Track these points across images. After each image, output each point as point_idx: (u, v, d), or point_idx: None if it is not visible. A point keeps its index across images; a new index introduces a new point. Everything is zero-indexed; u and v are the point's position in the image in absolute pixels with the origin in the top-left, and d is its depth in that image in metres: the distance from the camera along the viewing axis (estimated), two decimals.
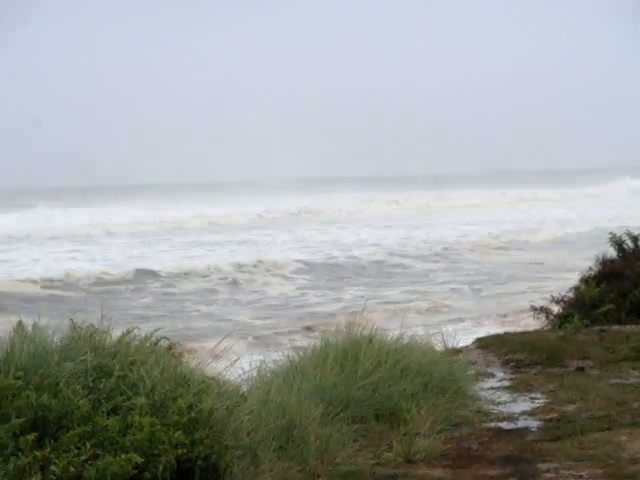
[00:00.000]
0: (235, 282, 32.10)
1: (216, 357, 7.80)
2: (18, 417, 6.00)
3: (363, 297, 27.19)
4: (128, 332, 7.42)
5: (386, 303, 25.43)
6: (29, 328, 7.17)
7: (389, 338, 9.69)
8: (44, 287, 30.88)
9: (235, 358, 8.16)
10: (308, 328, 20.37)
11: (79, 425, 6.13)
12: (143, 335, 7.56)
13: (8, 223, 62.81)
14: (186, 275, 33.40)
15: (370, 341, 9.11)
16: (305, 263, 36.06)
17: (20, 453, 5.56)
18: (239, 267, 34.61)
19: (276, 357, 9.06)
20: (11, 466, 5.43)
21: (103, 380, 6.68)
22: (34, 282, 31.26)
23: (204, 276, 33.10)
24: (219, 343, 8.06)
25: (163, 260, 38.09)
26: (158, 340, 7.58)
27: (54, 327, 7.34)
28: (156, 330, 7.63)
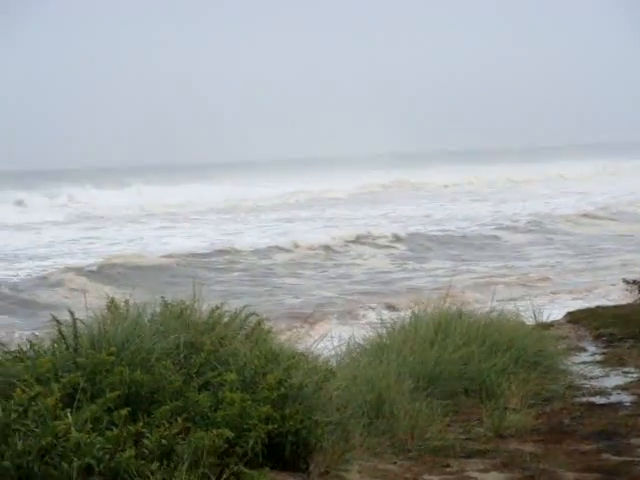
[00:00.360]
0: (329, 257, 32.18)
1: (305, 332, 7.84)
2: (112, 392, 6.11)
3: (454, 271, 27.11)
4: (218, 308, 7.50)
5: (477, 278, 25.26)
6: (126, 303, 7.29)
7: (479, 313, 9.64)
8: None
9: (324, 333, 8.20)
10: (397, 303, 20.29)
11: (171, 400, 6.22)
12: (233, 311, 7.63)
13: (120, 201, 64.28)
14: (279, 250, 33.60)
15: (460, 316, 9.07)
16: (397, 237, 35.96)
17: (114, 427, 5.66)
18: (334, 242, 34.73)
19: (365, 332, 9.08)
20: (105, 439, 5.52)
21: (194, 356, 6.76)
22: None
23: (298, 250, 33.29)
24: (308, 318, 8.10)
25: (257, 236, 38.48)
26: (248, 316, 7.64)
27: (146, 303, 7.45)
28: (245, 306, 7.70)
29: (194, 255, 33.03)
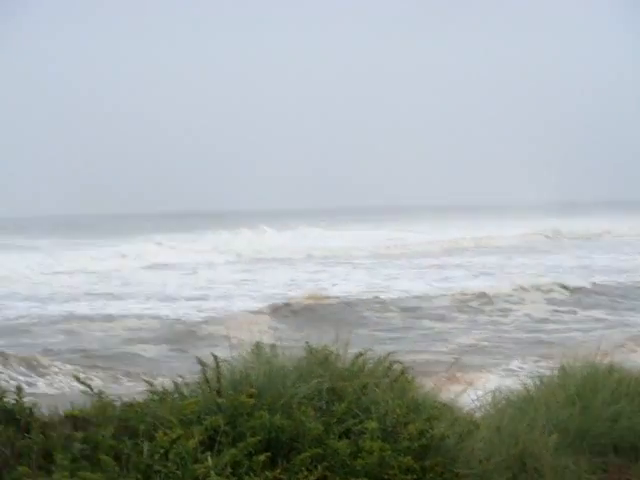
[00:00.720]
0: (482, 304, 31.86)
1: (449, 382, 7.74)
2: (252, 436, 6.14)
3: (612, 323, 26.44)
4: (361, 355, 7.47)
5: (636, 331, 24.56)
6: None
7: (632, 367, 9.34)
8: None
9: (469, 382, 8.09)
10: (548, 354, 19.92)
11: (310, 447, 6.22)
12: (377, 358, 7.59)
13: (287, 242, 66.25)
14: (430, 296, 33.47)
15: (610, 371, 8.80)
16: (555, 287, 35.28)
17: (251, 472, 5.68)
18: (490, 290, 34.38)
19: (512, 382, 8.91)
20: None
21: (336, 402, 6.75)
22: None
23: (451, 297, 33.11)
24: (453, 366, 8.01)
25: (411, 281, 38.50)
26: (392, 363, 7.59)
27: (292, 347, 7.49)
28: (389, 353, 7.65)
29: (352, 298, 33.28)
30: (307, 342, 7.47)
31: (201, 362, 6.78)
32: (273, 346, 7.40)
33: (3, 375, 20.64)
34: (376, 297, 33.55)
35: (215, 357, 6.75)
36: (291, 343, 7.65)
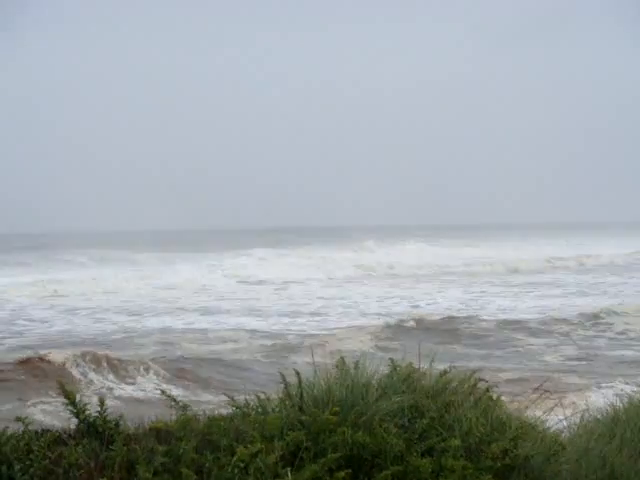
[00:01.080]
0: (583, 324, 31.33)
1: (536, 401, 7.63)
2: (334, 452, 6.13)
3: None
4: (446, 372, 7.41)
5: None
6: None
7: None
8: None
9: (558, 401, 7.96)
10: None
11: (392, 464, 6.18)
12: (462, 376, 7.52)
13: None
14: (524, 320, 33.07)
15: None
16: None
17: None
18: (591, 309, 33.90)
19: (601, 404, 8.73)
20: None
21: (418, 420, 6.70)
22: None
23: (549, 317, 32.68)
24: (539, 387, 7.88)
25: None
26: (476, 382, 7.51)
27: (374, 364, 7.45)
28: (475, 372, 7.57)
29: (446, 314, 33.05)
30: (391, 359, 7.45)
31: (283, 378, 6.79)
32: (357, 362, 7.37)
33: (97, 380, 21.03)
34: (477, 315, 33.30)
35: (298, 373, 6.76)
36: (383, 359, 7.61)
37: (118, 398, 19.72)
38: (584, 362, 23.60)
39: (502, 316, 33.35)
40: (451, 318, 32.65)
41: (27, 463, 5.52)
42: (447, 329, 30.47)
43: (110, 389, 20.73)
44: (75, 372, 21.51)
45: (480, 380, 7.52)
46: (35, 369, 21.21)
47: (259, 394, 6.90)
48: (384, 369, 7.43)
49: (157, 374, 21.96)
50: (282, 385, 6.83)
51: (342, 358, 7.41)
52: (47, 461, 5.58)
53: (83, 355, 22.52)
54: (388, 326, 30.60)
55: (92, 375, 21.56)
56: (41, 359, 21.87)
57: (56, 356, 22.23)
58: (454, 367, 7.55)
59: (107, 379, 21.41)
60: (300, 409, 6.62)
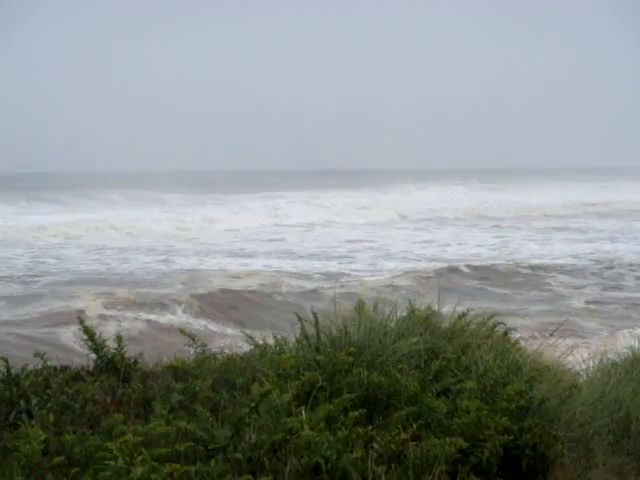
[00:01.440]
0: (606, 269, 31.15)
1: (551, 345, 7.63)
2: (349, 393, 6.18)
3: None
4: (464, 314, 7.43)
5: None
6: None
7: None
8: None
9: (576, 345, 7.97)
10: None
11: (407, 405, 6.21)
12: (480, 319, 7.54)
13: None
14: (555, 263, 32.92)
15: None
16: None
17: (344, 428, 5.71)
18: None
19: (619, 347, 8.73)
20: (335, 439, 5.58)
21: (434, 361, 6.73)
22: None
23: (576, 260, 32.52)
24: (556, 330, 7.90)
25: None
26: (495, 325, 7.52)
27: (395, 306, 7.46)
28: (493, 315, 7.58)
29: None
30: (409, 300, 7.47)
31: (300, 318, 6.83)
32: (375, 305, 7.40)
33: (128, 317, 21.29)
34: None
35: (315, 314, 6.80)
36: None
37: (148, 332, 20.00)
38: (605, 309, 23.42)
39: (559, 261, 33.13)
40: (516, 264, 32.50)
41: (44, 398, 5.61)
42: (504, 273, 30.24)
43: (147, 320, 21.04)
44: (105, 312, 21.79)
45: (499, 323, 7.54)
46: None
47: (276, 335, 6.96)
48: (402, 313, 7.47)
49: (189, 309, 22.27)
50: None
51: (361, 300, 7.45)
52: (64, 396, 5.67)
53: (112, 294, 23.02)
54: (441, 271, 30.45)
55: (125, 312, 21.85)
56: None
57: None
58: (471, 310, 7.56)
59: (139, 317, 21.64)
60: (317, 349, 6.67)
